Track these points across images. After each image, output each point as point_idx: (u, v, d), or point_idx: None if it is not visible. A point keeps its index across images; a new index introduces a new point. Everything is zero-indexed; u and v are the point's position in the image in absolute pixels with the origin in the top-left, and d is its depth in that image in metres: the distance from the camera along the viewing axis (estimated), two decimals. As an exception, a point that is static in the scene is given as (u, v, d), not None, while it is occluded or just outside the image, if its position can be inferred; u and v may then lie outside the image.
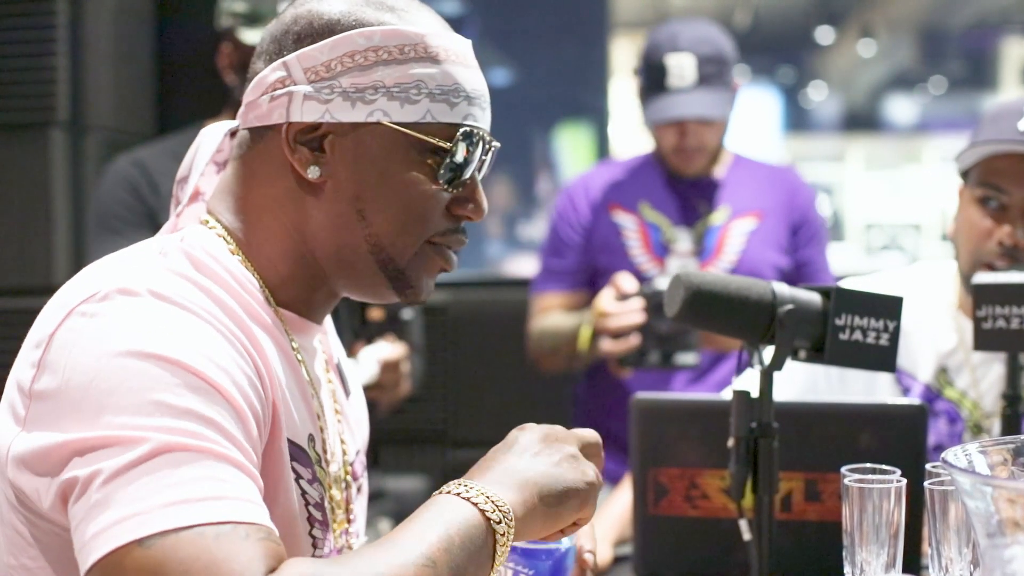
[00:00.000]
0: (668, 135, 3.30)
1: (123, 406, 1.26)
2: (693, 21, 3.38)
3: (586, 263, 3.40)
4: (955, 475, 1.26)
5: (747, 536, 1.73)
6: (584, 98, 7.90)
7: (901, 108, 13.95)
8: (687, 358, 2.98)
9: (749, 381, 1.76)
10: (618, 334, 3.00)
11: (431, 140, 1.49)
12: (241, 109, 1.55)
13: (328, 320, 1.73)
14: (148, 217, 3.07)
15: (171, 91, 4.22)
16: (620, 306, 2.96)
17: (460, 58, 1.52)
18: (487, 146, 1.55)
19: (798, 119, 13.97)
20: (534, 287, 3.48)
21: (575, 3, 7.11)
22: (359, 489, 1.71)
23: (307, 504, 1.51)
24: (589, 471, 1.44)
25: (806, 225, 3.44)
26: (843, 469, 1.61)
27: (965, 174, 2.54)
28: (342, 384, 1.73)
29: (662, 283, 3.00)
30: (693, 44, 3.24)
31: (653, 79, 3.27)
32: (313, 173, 1.48)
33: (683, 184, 3.38)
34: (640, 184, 3.38)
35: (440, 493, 1.35)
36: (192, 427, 1.27)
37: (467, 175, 1.53)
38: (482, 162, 1.55)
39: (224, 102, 3.30)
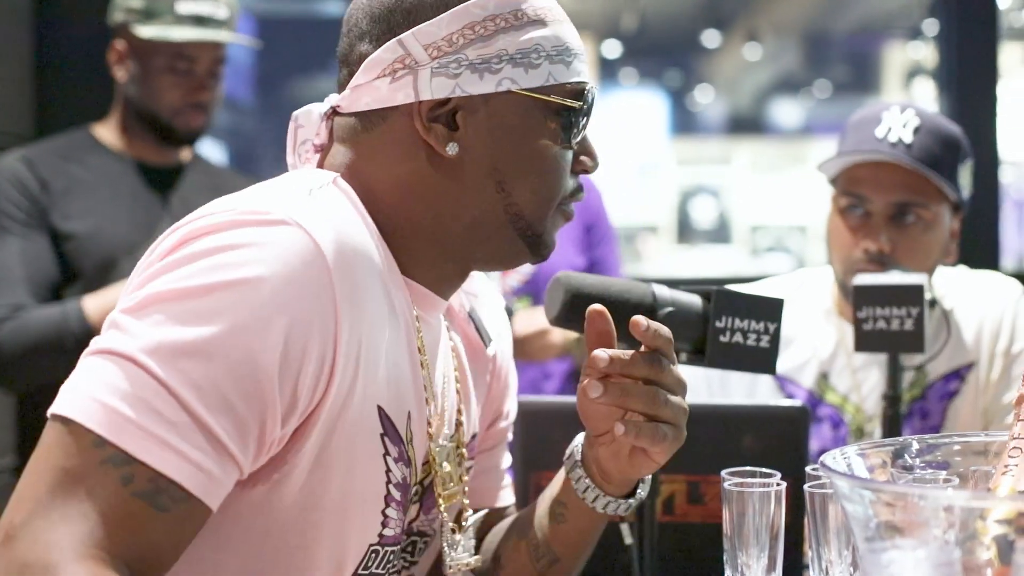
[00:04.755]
0: None
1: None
2: None
3: None
4: (833, 479, 1.26)
5: (629, 540, 1.72)
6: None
7: (786, 111, 14.10)
8: None
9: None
10: None
11: (564, 102, 1.50)
12: (345, 93, 1.52)
13: None
14: (38, 216, 3.03)
15: (50, 92, 4.13)
16: None
17: (561, 16, 1.55)
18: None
19: (684, 122, 14.07)
20: None
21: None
22: (470, 469, 1.70)
23: (388, 482, 1.48)
24: None
25: (598, 224, 3.49)
26: (723, 473, 1.61)
27: (835, 182, 2.57)
28: (478, 333, 1.72)
29: None
30: None
31: None
32: (452, 149, 1.47)
33: None
34: None
35: None
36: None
37: (585, 130, 1.55)
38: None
39: (111, 100, 3.26)
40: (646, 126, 13.36)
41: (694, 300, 1.70)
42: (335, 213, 1.40)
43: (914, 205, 2.47)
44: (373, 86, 1.49)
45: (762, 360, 1.71)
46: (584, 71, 1.54)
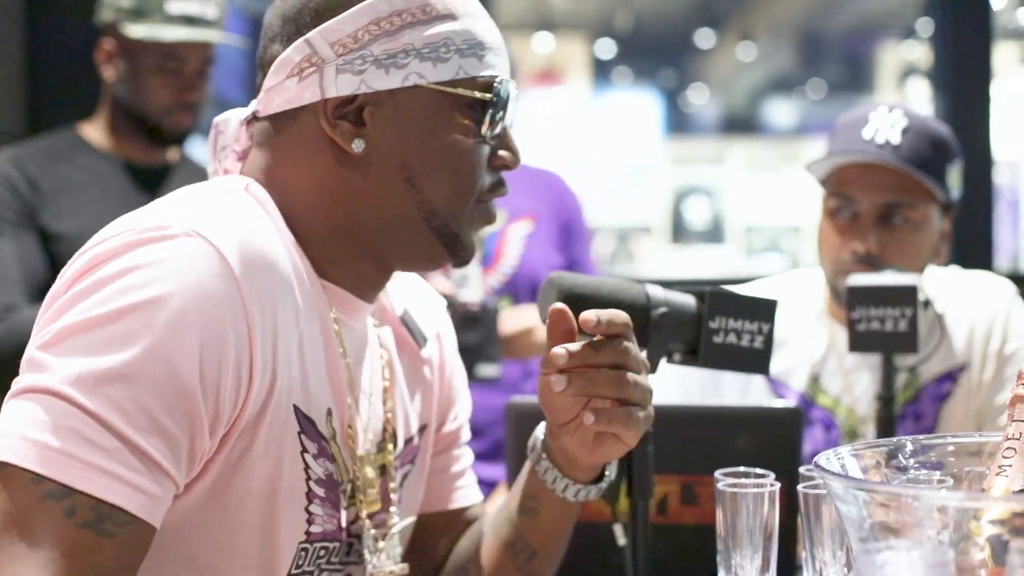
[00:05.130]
0: None
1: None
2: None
3: None
4: (827, 479, 1.25)
5: (622, 541, 1.71)
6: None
7: (780, 111, 14.12)
8: (488, 370, 2.96)
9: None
10: None
11: (472, 95, 1.49)
12: (259, 96, 1.52)
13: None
14: (28, 216, 3.02)
15: (42, 90, 4.13)
16: None
17: (475, 10, 1.52)
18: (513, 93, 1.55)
19: (679, 122, 14.09)
20: None
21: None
22: (407, 474, 1.69)
23: (308, 479, 1.47)
24: None
25: (574, 226, 3.53)
26: (716, 473, 1.60)
27: (824, 183, 2.58)
28: (412, 335, 1.70)
29: (466, 294, 3.00)
30: None
31: None
32: (358, 146, 1.46)
33: None
34: None
35: None
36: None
37: (504, 124, 1.53)
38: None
39: (99, 99, 3.25)
40: (640, 126, 13.38)
41: (688, 300, 1.69)
42: (240, 219, 1.39)
43: (902, 206, 2.47)
44: (283, 86, 1.49)
45: (756, 361, 1.71)
46: (499, 65, 1.53)
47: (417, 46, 1.46)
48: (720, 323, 1.68)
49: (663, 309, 1.66)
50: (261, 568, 1.44)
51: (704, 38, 12.27)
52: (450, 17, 1.48)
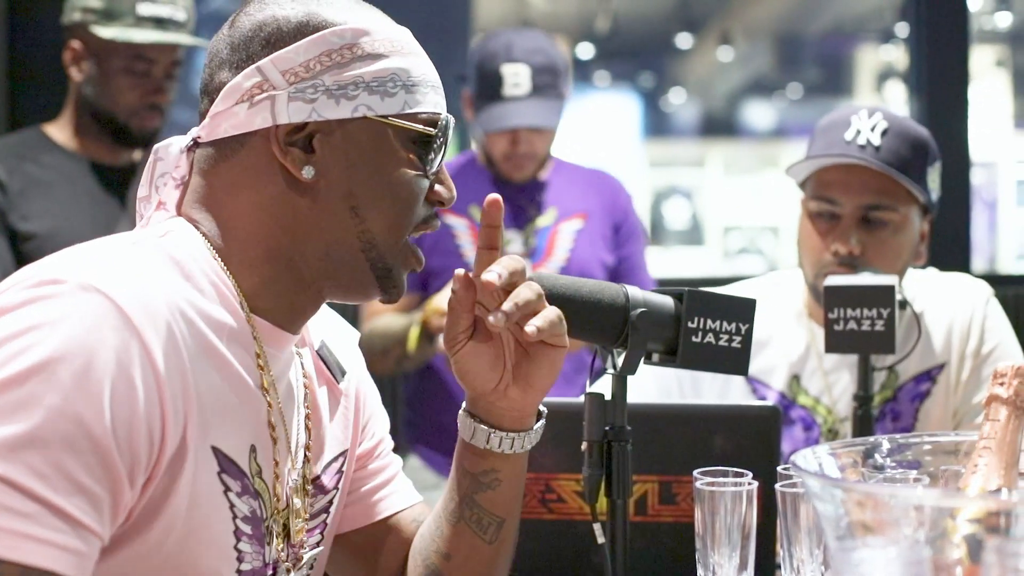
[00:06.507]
0: (500, 142, 3.42)
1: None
2: (527, 31, 3.55)
3: None
4: (805, 478, 1.26)
5: (601, 539, 1.72)
6: (446, 100, 7.92)
7: (759, 113, 14.12)
8: None
9: (603, 384, 1.75)
10: None
11: (418, 129, 1.52)
12: (204, 122, 1.53)
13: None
14: (-1, 217, 3.01)
15: (21, 90, 4.12)
16: None
17: (417, 49, 1.57)
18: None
19: (658, 124, 14.07)
20: None
21: (438, 5, 7.10)
22: (333, 499, 1.70)
23: (234, 517, 1.48)
24: None
25: (626, 224, 3.59)
26: (695, 472, 1.61)
27: (804, 185, 2.59)
28: (328, 369, 1.71)
29: None
30: (528, 54, 3.38)
31: (487, 87, 3.38)
32: (308, 173, 1.49)
33: (511, 187, 3.48)
34: (468, 187, 3.38)
35: None
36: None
37: (442, 160, 1.57)
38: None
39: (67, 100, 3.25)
40: (619, 128, 13.37)
41: (666, 301, 1.70)
42: (139, 268, 1.40)
43: (883, 208, 2.48)
44: (232, 112, 1.50)
45: (734, 361, 1.71)
46: (440, 103, 1.58)
47: (366, 79, 1.50)
48: (698, 323, 1.68)
49: (642, 309, 1.67)
50: None
51: (683, 41, 12.26)
52: (397, 54, 1.52)
